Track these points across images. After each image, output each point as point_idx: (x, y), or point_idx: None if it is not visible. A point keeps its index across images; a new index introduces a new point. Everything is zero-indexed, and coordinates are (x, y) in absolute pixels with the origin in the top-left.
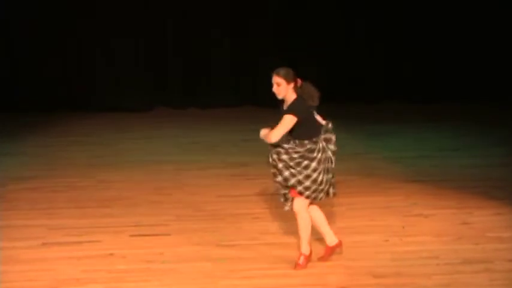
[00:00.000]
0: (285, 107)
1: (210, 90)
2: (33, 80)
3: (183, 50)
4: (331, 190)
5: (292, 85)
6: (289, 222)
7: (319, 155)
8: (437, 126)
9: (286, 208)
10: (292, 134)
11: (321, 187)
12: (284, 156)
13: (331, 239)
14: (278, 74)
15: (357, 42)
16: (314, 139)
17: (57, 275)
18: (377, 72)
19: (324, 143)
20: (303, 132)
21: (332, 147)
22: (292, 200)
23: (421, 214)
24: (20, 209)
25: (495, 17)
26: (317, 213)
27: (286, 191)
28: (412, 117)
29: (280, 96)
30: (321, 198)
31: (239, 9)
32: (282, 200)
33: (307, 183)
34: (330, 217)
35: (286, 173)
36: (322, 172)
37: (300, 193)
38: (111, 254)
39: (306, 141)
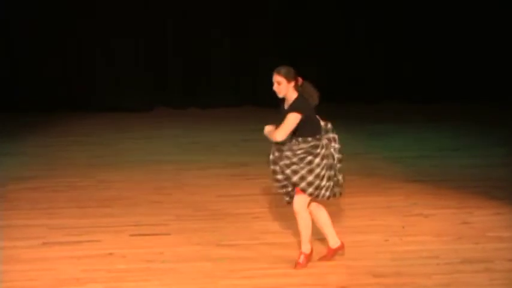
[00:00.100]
0: (286, 105)
1: (210, 90)
2: (33, 80)
3: (183, 50)
4: (336, 190)
5: (292, 84)
6: (290, 221)
7: (323, 150)
8: (437, 126)
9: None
10: (295, 132)
11: (323, 183)
12: (287, 153)
13: (333, 241)
14: (279, 73)
15: (357, 42)
16: (317, 136)
17: (57, 275)
18: (377, 72)
19: (327, 141)
20: (306, 129)
21: (336, 145)
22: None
23: (421, 214)
24: (21, 208)
25: (495, 17)
26: (322, 213)
27: (289, 189)
28: (412, 117)
29: (280, 95)
30: (323, 196)
31: (239, 9)
32: (283, 191)
33: (310, 178)
34: (330, 217)
35: (288, 171)
36: (325, 168)
37: (303, 190)
38: (111, 254)
39: (310, 139)
